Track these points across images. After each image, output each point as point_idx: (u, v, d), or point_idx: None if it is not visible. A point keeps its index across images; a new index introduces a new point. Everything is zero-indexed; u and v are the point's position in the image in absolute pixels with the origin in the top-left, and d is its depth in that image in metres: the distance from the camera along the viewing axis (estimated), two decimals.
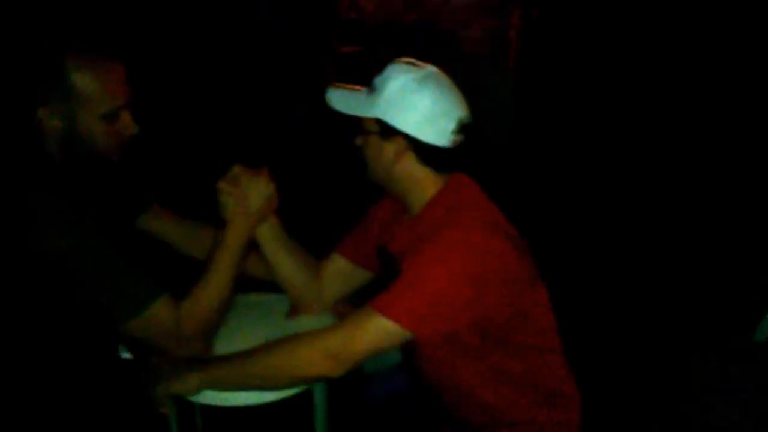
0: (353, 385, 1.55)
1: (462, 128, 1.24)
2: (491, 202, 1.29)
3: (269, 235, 1.44)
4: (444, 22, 3.65)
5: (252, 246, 1.40)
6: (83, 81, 1.16)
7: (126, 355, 1.36)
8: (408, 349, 1.23)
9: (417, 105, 1.21)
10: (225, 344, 1.35)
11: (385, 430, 1.61)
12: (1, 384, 1.22)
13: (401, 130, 1.23)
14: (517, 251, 1.21)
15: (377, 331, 1.15)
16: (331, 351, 1.17)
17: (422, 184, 1.27)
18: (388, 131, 1.24)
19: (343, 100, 1.28)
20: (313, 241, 1.56)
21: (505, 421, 1.30)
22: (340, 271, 1.51)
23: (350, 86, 1.31)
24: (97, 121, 1.19)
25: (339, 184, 2.84)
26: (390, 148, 1.25)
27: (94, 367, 1.27)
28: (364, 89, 1.29)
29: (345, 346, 1.17)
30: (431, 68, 1.26)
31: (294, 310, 1.54)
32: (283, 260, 1.47)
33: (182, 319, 1.22)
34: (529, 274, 1.24)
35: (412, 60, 1.27)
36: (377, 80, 1.26)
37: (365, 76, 1.30)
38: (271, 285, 1.55)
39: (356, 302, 1.53)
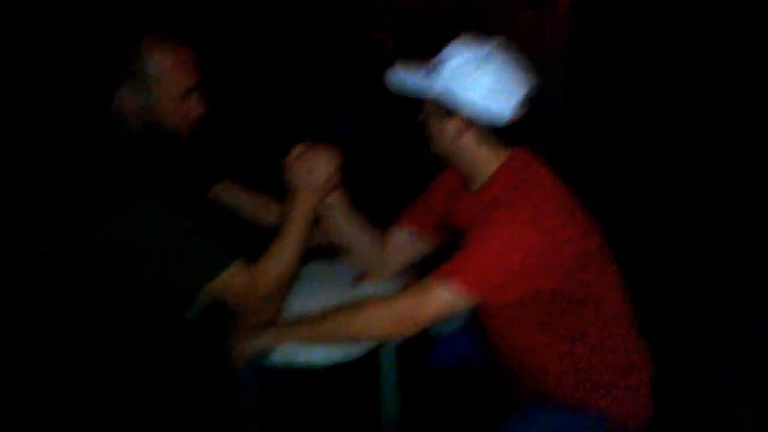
0: (419, 349, 1.58)
1: (523, 104, 1.23)
2: (555, 175, 1.28)
3: (334, 208, 1.48)
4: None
5: (318, 218, 1.44)
6: (158, 64, 1.24)
7: (191, 316, 1.42)
8: (473, 312, 1.25)
9: (476, 84, 1.20)
10: (295, 308, 1.42)
11: (452, 394, 1.64)
12: (85, 344, 1.31)
13: (460, 110, 1.23)
14: (580, 222, 1.21)
15: (444, 297, 1.18)
16: (400, 315, 1.21)
17: (484, 159, 1.28)
18: (448, 109, 1.24)
19: (402, 81, 1.29)
20: (379, 214, 1.59)
21: (573, 384, 1.30)
22: (404, 242, 1.53)
23: (410, 67, 1.31)
24: (169, 101, 1.26)
25: (403, 156, 2.84)
26: (450, 127, 1.25)
27: (161, 328, 1.34)
28: (424, 69, 1.28)
29: (413, 311, 1.20)
30: (493, 44, 1.24)
31: (358, 279, 1.58)
32: (348, 231, 1.51)
33: (255, 283, 1.29)
34: (592, 244, 1.23)
35: (474, 37, 1.26)
36: (437, 59, 1.25)
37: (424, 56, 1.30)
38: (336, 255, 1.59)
39: (419, 274, 1.57)
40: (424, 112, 1.28)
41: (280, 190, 1.48)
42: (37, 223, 1.32)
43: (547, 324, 1.27)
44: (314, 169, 1.39)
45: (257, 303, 1.31)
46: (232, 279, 1.26)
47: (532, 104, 1.25)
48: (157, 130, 1.29)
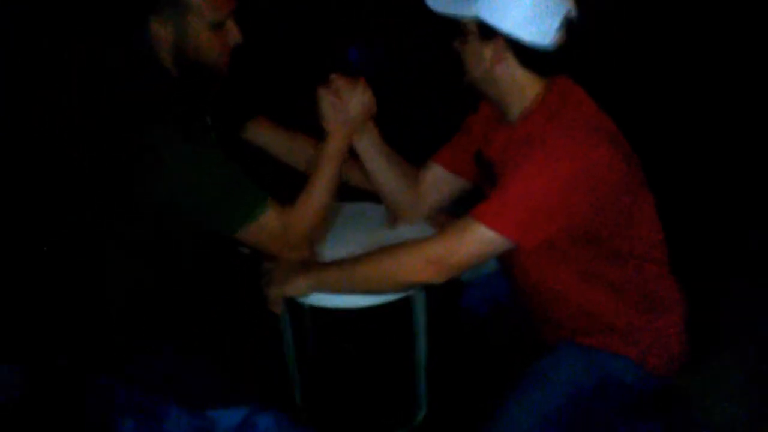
0: (451, 293, 1.59)
1: (567, 26, 1.17)
2: (596, 105, 1.24)
3: (368, 144, 1.46)
4: None
5: (352, 155, 1.43)
6: None
7: (245, 250, 1.45)
8: (505, 254, 1.24)
9: (517, 3, 1.15)
10: (328, 251, 1.43)
11: (482, 336, 1.66)
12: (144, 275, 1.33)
13: (501, 30, 1.17)
14: (623, 157, 1.17)
15: (479, 240, 1.16)
16: (434, 259, 1.19)
17: (523, 87, 1.23)
18: (487, 32, 1.19)
19: (440, 1, 1.23)
20: (412, 150, 1.57)
21: (603, 326, 1.30)
22: (438, 180, 1.51)
23: None
24: (205, 29, 1.22)
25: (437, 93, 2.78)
26: (488, 50, 1.20)
27: (218, 261, 1.37)
28: None
29: (448, 254, 1.18)
30: None
31: (393, 219, 1.57)
32: (382, 168, 1.49)
33: (289, 225, 1.28)
34: (634, 181, 1.21)
35: None
36: None
37: None
38: (371, 195, 1.59)
39: (455, 211, 1.56)
40: (460, 37, 1.24)
41: (313, 129, 1.47)
42: (81, 160, 1.31)
43: (580, 265, 1.25)
44: (348, 100, 1.37)
45: (290, 247, 1.30)
46: (266, 224, 1.24)
47: (574, 31, 1.19)
48: (195, 63, 1.25)
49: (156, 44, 1.23)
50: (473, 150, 1.42)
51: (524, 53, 1.19)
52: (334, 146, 1.36)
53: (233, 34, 1.27)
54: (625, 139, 1.23)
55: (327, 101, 1.37)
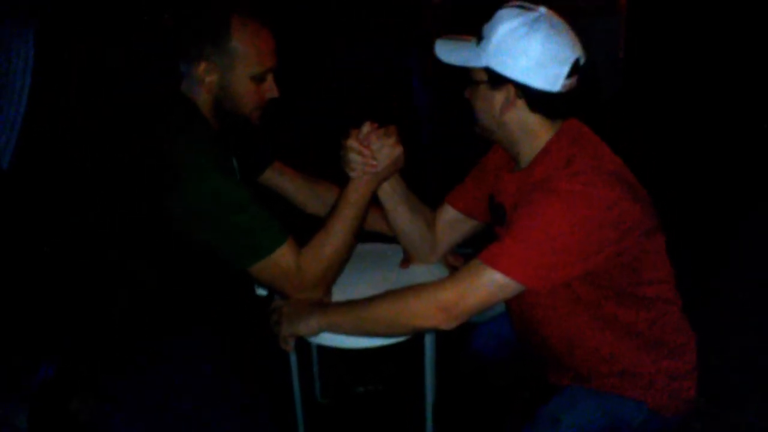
0: (461, 333, 1.58)
1: (575, 72, 1.19)
2: (607, 147, 1.25)
3: (392, 192, 1.45)
4: None
5: (373, 201, 1.42)
6: (243, 41, 1.26)
7: (262, 292, 1.45)
8: (514, 297, 1.23)
9: (527, 50, 1.17)
10: (342, 291, 1.42)
11: (491, 377, 1.65)
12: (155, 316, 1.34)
13: (510, 78, 1.19)
14: (635, 199, 1.18)
15: (490, 284, 1.16)
16: (445, 304, 1.18)
17: (533, 132, 1.24)
18: (497, 79, 1.21)
19: (450, 51, 1.26)
20: (430, 190, 1.59)
21: (614, 370, 1.29)
22: (451, 221, 1.52)
23: (458, 36, 1.29)
24: (247, 80, 1.28)
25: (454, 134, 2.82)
26: (499, 97, 1.22)
27: (234, 301, 1.38)
28: (472, 39, 1.25)
29: (458, 299, 1.18)
30: (542, 9, 1.21)
31: (407, 260, 1.58)
32: (403, 215, 1.48)
33: (303, 266, 1.28)
34: (647, 223, 1.20)
35: (522, 3, 1.23)
36: (486, 28, 1.22)
37: (473, 25, 1.27)
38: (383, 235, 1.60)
39: (467, 252, 1.57)
40: (472, 84, 1.26)
41: (333, 174, 1.47)
42: (117, 185, 1.33)
43: (593, 309, 1.25)
44: (379, 151, 1.34)
45: (303, 288, 1.30)
46: (280, 262, 1.25)
47: (585, 77, 1.22)
48: (231, 109, 1.31)
49: (198, 86, 1.28)
50: (486, 191, 1.43)
51: (534, 99, 1.20)
52: (357, 194, 1.34)
53: (272, 88, 1.33)
54: (636, 179, 1.23)
55: (355, 151, 1.34)
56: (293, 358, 1.64)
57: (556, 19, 1.20)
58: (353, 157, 1.34)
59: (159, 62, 1.32)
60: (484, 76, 1.23)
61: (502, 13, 1.21)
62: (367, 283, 1.48)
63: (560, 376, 1.37)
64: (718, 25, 3.88)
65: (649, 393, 1.28)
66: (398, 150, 1.36)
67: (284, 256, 1.26)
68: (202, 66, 1.26)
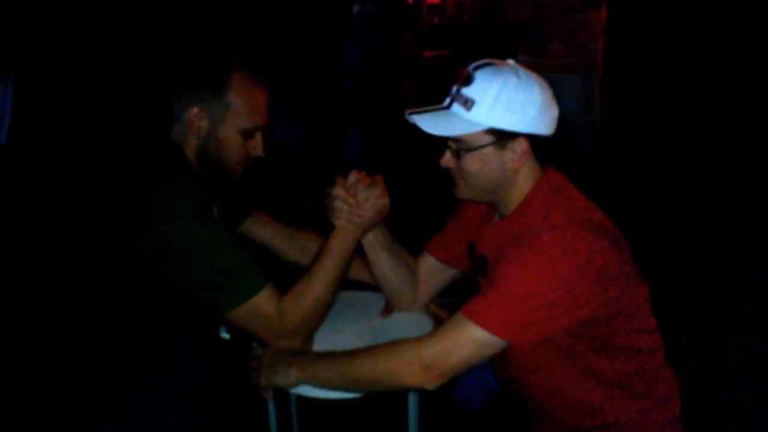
0: (445, 384, 1.56)
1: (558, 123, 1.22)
2: (584, 197, 1.26)
3: (376, 241, 1.44)
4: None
5: (357, 249, 1.40)
6: (240, 96, 1.29)
7: (226, 335, 1.42)
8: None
9: (530, 99, 1.18)
10: (324, 338, 1.41)
11: (474, 428, 1.62)
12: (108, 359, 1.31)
13: (522, 131, 1.19)
14: (616, 249, 1.17)
15: (472, 342, 1.15)
16: (427, 363, 1.17)
17: (527, 181, 1.24)
18: (505, 138, 1.20)
19: (435, 122, 1.22)
20: (413, 236, 1.58)
21: (598, 421, 1.28)
22: (431, 270, 1.52)
23: (428, 108, 1.26)
24: (236, 133, 1.30)
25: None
26: (509, 155, 1.21)
27: (197, 345, 1.34)
28: (450, 107, 1.22)
29: (441, 358, 1.16)
30: (509, 62, 1.23)
31: (389, 308, 1.57)
32: (386, 264, 1.47)
33: (284, 313, 1.27)
34: (628, 272, 1.20)
35: (489, 60, 1.22)
36: (468, 92, 1.20)
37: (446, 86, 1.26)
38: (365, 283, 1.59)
39: (447, 301, 1.57)
40: (467, 151, 1.22)
41: (314, 223, 1.46)
42: (93, 219, 1.34)
43: (578, 360, 1.24)
44: (365, 201, 1.34)
45: (283, 336, 1.29)
46: (260, 307, 1.24)
47: (564, 129, 1.24)
48: (214, 160, 1.32)
49: (187, 130, 1.29)
50: (464, 240, 1.43)
51: (542, 147, 1.22)
52: (341, 243, 1.33)
53: (258, 147, 1.34)
54: (612, 225, 1.23)
55: (341, 199, 1.33)
56: (272, 407, 1.60)
57: (522, 65, 1.23)
58: (338, 205, 1.33)
59: (154, 103, 1.33)
60: (487, 139, 1.20)
61: (485, 73, 1.20)
62: (350, 330, 1.47)
63: (544, 429, 1.35)
64: (697, 77, 4.04)
65: None
66: (384, 200, 1.36)
67: (264, 302, 1.25)
68: (195, 111, 1.28)
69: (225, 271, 1.22)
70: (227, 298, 1.24)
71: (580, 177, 1.35)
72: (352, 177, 1.36)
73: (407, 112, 1.25)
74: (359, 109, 3.81)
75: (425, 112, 1.25)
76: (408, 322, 1.55)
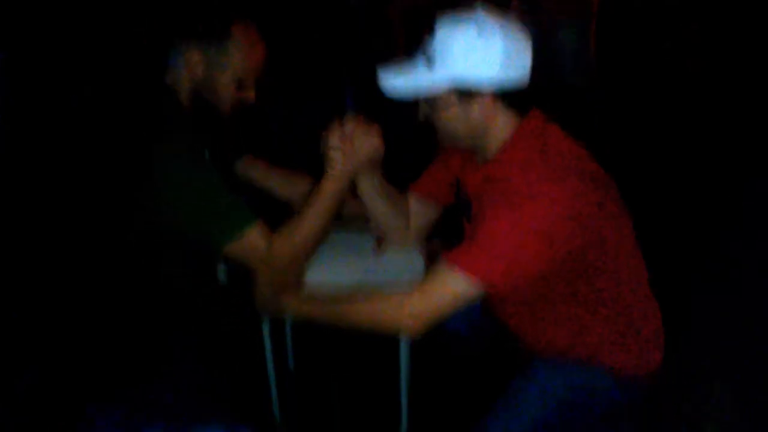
0: None
1: (534, 57, 1.17)
2: (568, 139, 1.25)
3: (370, 185, 1.46)
4: None
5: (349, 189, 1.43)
6: (239, 46, 1.30)
7: (222, 278, 1.47)
8: None
9: (491, 53, 1.14)
10: (317, 276, 1.46)
11: (466, 355, 1.67)
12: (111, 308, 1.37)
13: (485, 86, 1.17)
14: (598, 190, 1.18)
15: (457, 290, 1.18)
16: (414, 312, 1.21)
17: (504, 128, 1.23)
18: (468, 95, 1.18)
19: (403, 85, 1.22)
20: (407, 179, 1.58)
21: (585, 344, 1.32)
22: (419, 209, 1.55)
23: (398, 65, 1.24)
24: (231, 82, 1.32)
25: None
26: (476, 109, 1.20)
27: (196, 289, 1.39)
28: (417, 64, 1.21)
29: (426, 306, 1.20)
30: (479, 9, 1.18)
31: (380, 245, 1.61)
32: (379, 206, 1.50)
33: (274, 249, 1.31)
34: (613, 210, 1.20)
35: (453, 13, 1.19)
36: (431, 49, 1.19)
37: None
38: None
39: (438, 239, 1.62)
40: (433, 107, 1.22)
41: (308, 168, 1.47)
42: (88, 166, 1.36)
43: (558, 294, 1.27)
44: (360, 148, 1.34)
45: (274, 270, 1.33)
46: (252, 242, 1.28)
47: (547, 68, 1.21)
48: (206, 102, 1.34)
49: (183, 72, 1.31)
50: (450, 177, 1.45)
51: (511, 97, 1.19)
52: (334, 187, 1.35)
53: (249, 95, 1.37)
54: (598, 166, 1.23)
55: (335, 147, 1.34)
56: (266, 328, 1.65)
57: (492, 13, 1.17)
58: (333, 154, 1.34)
59: (151, 48, 1.33)
60: (452, 98, 1.20)
61: (445, 27, 1.18)
62: (343, 269, 1.52)
63: (531, 348, 1.40)
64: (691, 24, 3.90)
65: (617, 359, 1.32)
66: (379, 149, 1.37)
67: (255, 237, 1.28)
68: (195, 57, 1.29)
69: (217, 210, 1.26)
70: (219, 235, 1.27)
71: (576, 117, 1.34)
72: (349, 124, 1.35)
73: (379, 68, 1.24)
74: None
75: (397, 72, 1.23)
76: (399, 260, 1.60)
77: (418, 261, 1.60)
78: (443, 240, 1.59)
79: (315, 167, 1.39)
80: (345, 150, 1.34)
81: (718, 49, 3.65)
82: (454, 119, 1.22)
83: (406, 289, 1.24)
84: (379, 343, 1.63)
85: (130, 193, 1.26)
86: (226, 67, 1.30)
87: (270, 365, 1.73)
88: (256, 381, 1.76)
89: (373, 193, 1.47)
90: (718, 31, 3.68)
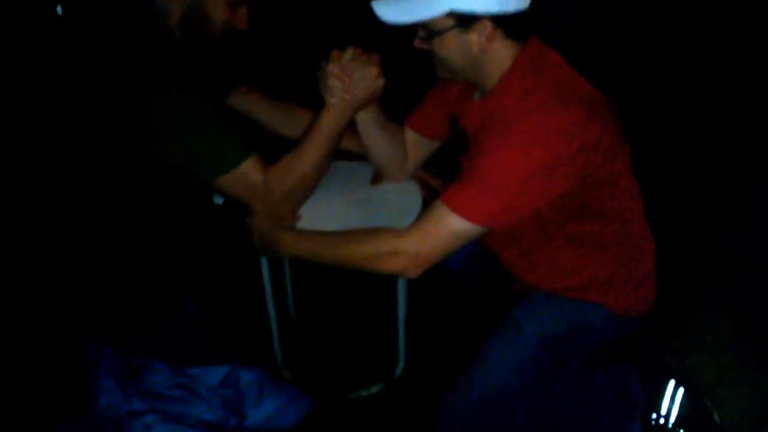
0: None
1: None
2: (566, 66, 1.22)
3: (369, 119, 1.43)
4: None
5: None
6: None
7: (218, 200, 1.46)
8: None
9: None
10: (313, 207, 1.44)
11: (461, 290, 1.70)
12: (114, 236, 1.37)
13: (484, 12, 1.13)
14: (597, 120, 1.14)
15: (452, 231, 1.17)
16: (410, 253, 1.19)
17: (501, 59, 1.19)
18: (467, 20, 1.14)
19: (396, 10, 1.17)
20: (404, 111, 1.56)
21: (583, 280, 1.32)
22: (414, 143, 1.53)
23: None
24: (222, 5, 1.26)
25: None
26: (474, 37, 1.15)
27: (190, 211, 1.38)
28: None
29: (423, 248, 1.19)
30: None
31: (377, 178, 1.60)
32: (377, 140, 1.48)
33: (270, 183, 1.29)
34: (611, 141, 1.17)
35: None
36: None
37: None
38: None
39: (436, 169, 1.60)
40: (432, 36, 1.18)
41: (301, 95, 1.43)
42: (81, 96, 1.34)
43: (561, 229, 1.27)
44: (360, 81, 1.30)
45: (270, 204, 1.32)
46: (247, 175, 1.26)
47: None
48: (197, 28, 1.28)
49: (170, 2, 1.25)
50: (446, 112, 1.42)
51: (512, 25, 1.15)
52: (332, 120, 1.32)
53: (242, 20, 1.30)
54: (600, 95, 1.20)
55: (335, 77, 1.29)
56: (266, 273, 1.67)
57: None
58: (332, 83, 1.30)
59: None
60: (449, 23, 1.15)
61: None
62: (339, 200, 1.51)
63: (525, 285, 1.41)
64: None
65: (610, 296, 1.32)
66: (380, 81, 1.32)
67: (249, 170, 1.26)
68: None
69: (210, 143, 1.24)
70: (212, 167, 1.25)
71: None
72: (348, 54, 1.31)
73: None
74: None
75: None
76: (395, 191, 1.59)
77: (414, 191, 1.59)
78: (441, 171, 1.58)
79: (312, 98, 1.36)
80: (344, 80, 1.29)
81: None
82: (451, 47, 1.18)
83: (403, 221, 1.23)
84: (376, 281, 1.65)
85: (121, 125, 1.23)
86: None
87: (271, 308, 1.75)
88: (257, 323, 1.79)
89: (371, 127, 1.44)
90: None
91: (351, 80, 1.30)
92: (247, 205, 1.33)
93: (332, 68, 1.30)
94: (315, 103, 1.35)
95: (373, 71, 1.31)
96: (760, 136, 3.01)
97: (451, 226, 1.16)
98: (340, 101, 1.31)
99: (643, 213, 1.35)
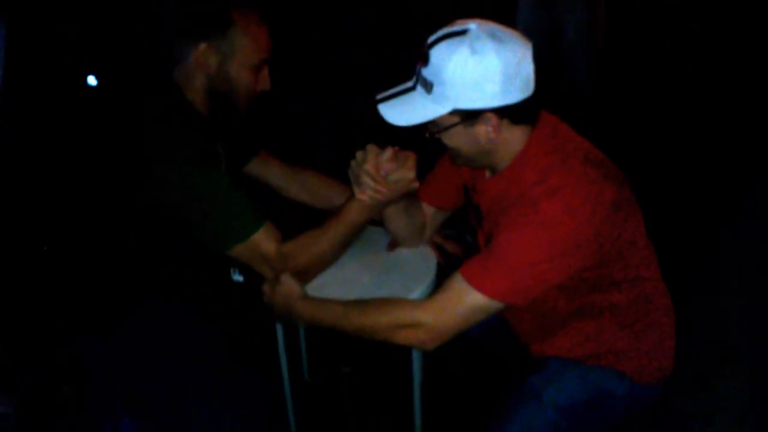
0: None
1: (537, 66, 1.13)
2: (579, 137, 1.23)
3: (394, 209, 1.43)
4: None
5: None
6: (244, 30, 1.29)
7: (238, 277, 1.48)
8: None
9: (489, 74, 1.08)
10: (329, 271, 1.44)
11: (478, 359, 1.68)
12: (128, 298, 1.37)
13: (486, 108, 1.12)
14: (616, 192, 1.15)
15: (471, 306, 1.16)
16: (428, 326, 1.19)
17: (515, 142, 1.19)
18: (472, 115, 1.14)
19: (402, 113, 1.18)
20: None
21: (600, 349, 1.31)
22: (430, 214, 1.53)
23: (397, 91, 1.21)
24: (245, 69, 1.31)
25: None
26: (481, 129, 1.15)
27: (209, 287, 1.41)
28: (414, 89, 1.18)
29: (440, 320, 1.18)
30: (471, 25, 1.12)
31: (393, 245, 1.60)
32: (401, 222, 1.49)
33: (287, 255, 1.31)
34: (627, 213, 1.18)
35: (447, 29, 1.14)
36: (427, 73, 1.14)
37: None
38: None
39: (451, 231, 1.61)
40: (441, 131, 1.18)
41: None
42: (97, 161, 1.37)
43: (580, 300, 1.26)
44: (395, 183, 1.30)
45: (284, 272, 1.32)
46: (259, 245, 1.29)
47: (553, 69, 1.21)
48: (222, 96, 1.33)
49: (195, 68, 1.30)
50: (459, 183, 1.42)
51: (517, 113, 1.15)
52: (358, 215, 1.33)
53: (265, 80, 1.35)
54: (612, 163, 1.21)
55: (369, 176, 1.29)
56: (280, 338, 1.66)
57: (489, 26, 1.12)
58: (366, 180, 1.30)
59: (153, 45, 1.33)
60: (455, 119, 1.15)
61: (439, 51, 1.12)
62: (356, 265, 1.51)
63: (543, 352, 1.39)
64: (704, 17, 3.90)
65: (632, 364, 1.30)
66: (414, 185, 1.33)
67: (262, 240, 1.29)
68: (202, 48, 1.28)
69: (222, 215, 1.26)
70: (225, 239, 1.28)
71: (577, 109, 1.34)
72: (387, 154, 1.30)
73: (376, 98, 1.22)
74: None
75: (394, 96, 1.21)
76: (412, 256, 1.59)
77: (430, 256, 1.59)
78: (456, 234, 1.59)
79: (330, 164, 1.39)
80: (377, 180, 1.29)
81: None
82: (461, 140, 1.19)
83: (417, 287, 1.22)
84: (391, 345, 1.65)
85: (132, 191, 1.26)
86: (237, 54, 1.29)
87: (285, 374, 1.74)
88: (271, 390, 1.77)
89: (395, 214, 1.46)
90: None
91: (385, 183, 1.30)
92: (260, 273, 1.35)
93: (368, 167, 1.29)
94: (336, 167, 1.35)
95: (409, 176, 1.31)
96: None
97: (470, 301, 1.16)
98: (370, 199, 1.32)
99: (659, 277, 1.34)
